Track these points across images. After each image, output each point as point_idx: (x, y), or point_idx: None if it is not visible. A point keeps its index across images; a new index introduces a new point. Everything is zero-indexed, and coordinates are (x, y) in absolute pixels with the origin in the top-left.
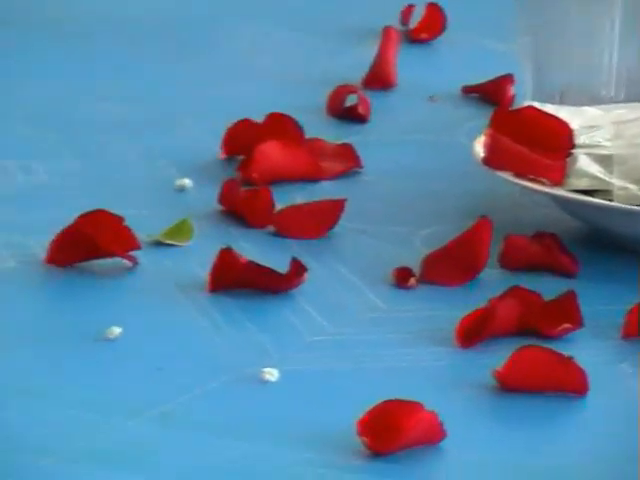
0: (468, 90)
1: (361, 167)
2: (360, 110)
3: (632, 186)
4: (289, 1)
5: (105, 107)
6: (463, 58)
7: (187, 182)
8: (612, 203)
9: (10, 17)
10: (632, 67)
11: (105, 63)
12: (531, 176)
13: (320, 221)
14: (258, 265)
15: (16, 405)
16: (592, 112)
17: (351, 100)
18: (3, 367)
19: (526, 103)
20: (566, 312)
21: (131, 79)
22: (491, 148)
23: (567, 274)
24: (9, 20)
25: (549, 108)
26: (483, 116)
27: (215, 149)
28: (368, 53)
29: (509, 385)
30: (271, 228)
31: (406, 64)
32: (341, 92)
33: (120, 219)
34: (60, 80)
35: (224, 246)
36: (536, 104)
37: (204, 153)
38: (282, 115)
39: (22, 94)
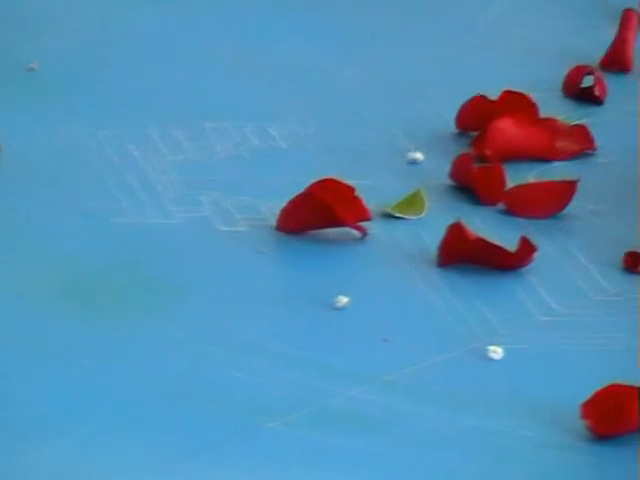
0: None
1: (595, 149)
2: (597, 91)
3: None
4: None
5: (346, 72)
6: None
7: (419, 155)
8: None
9: None
10: None
11: (353, 30)
12: None
13: (552, 201)
14: (488, 241)
15: (244, 366)
16: None
17: (588, 81)
18: (232, 327)
19: None
20: None
21: (375, 46)
22: None
23: None
24: None
25: None
26: None
27: (450, 122)
28: (607, 34)
29: None
30: (502, 205)
31: None
32: (578, 72)
33: (352, 189)
34: (304, 43)
35: (455, 221)
36: None
37: (439, 125)
38: (517, 92)
39: (262, 57)
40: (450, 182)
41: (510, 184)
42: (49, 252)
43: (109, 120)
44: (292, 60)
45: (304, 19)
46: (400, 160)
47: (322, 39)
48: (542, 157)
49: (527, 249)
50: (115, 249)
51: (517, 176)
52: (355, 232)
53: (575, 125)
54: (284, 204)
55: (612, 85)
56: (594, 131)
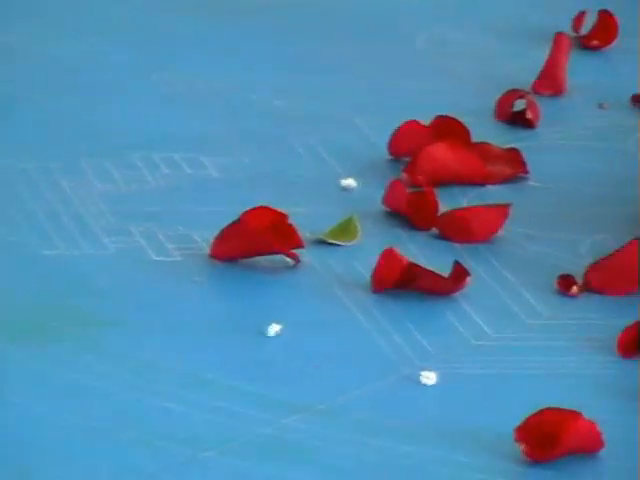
0: (637, 99)
1: (527, 173)
2: (529, 115)
3: None
4: (468, 3)
5: (278, 101)
6: (634, 66)
7: (352, 182)
8: None
9: (199, 4)
10: None
11: (284, 57)
12: None
13: (485, 225)
14: (421, 267)
15: (177, 396)
16: None
17: (520, 105)
18: (165, 356)
19: None
20: None
21: (308, 74)
22: None
23: None
24: (198, 5)
25: None
26: None
27: (382, 149)
28: (539, 58)
29: None
30: (435, 230)
31: (577, 71)
32: (510, 97)
33: (284, 216)
34: (236, 71)
35: (387, 247)
36: None
37: (371, 152)
38: (449, 117)
39: (190, 87)
40: (383, 208)
41: (443, 209)
42: None
43: (38, 152)
44: (221, 89)
45: (231, 48)
46: (333, 187)
47: (250, 68)
48: (475, 182)
49: (460, 274)
50: (46, 282)
51: (450, 201)
52: (288, 259)
53: (508, 149)
54: (217, 233)
55: (545, 109)
56: (527, 155)
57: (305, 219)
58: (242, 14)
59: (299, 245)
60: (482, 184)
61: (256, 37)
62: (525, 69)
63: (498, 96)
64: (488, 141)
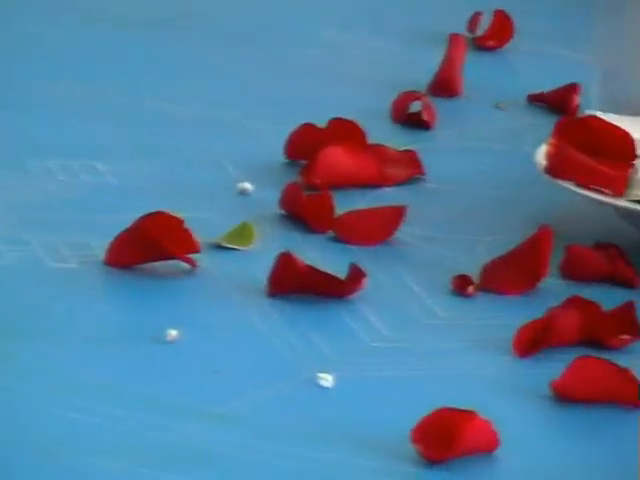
0: (534, 98)
1: (424, 174)
2: (425, 117)
3: None
4: (362, 6)
5: (173, 107)
6: (530, 66)
7: (248, 186)
8: None
9: (95, 15)
10: None
11: (178, 62)
12: (593, 186)
13: (381, 227)
14: (317, 270)
15: (79, 405)
16: None
17: (416, 106)
18: (62, 366)
19: (590, 112)
20: (625, 323)
21: (203, 79)
22: (554, 157)
23: (627, 285)
24: (95, 16)
25: (612, 118)
26: (548, 125)
27: (279, 153)
28: (435, 59)
29: (565, 395)
30: (332, 233)
31: (473, 71)
32: (406, 98)
33: (180, 221)
34: (129, 79)
35: (284, 251)
36: (600, 114)
37: (268, 156)
38: (345, 120)
39: (90, 92)
40: (280, 212)
41: (340, 212)
42: None
43: None
44: (116, 97)
45: (126, 57)
46: (230, 192)
47: (145, 75)
48: (372, 184)
49: (356, 276)
50: None
51: (347, 203)
52: (185, 265)
53: (404, 151)
54: (113, 240)
55: (441, 110)
56: (423, 157)
57: (201, 224)
58: (136, 24)
59: (195, 250)
60: (379, 186)
61: (150, 45)
62: (421, 71)
63: (394, 99)
64: (384, 143)
